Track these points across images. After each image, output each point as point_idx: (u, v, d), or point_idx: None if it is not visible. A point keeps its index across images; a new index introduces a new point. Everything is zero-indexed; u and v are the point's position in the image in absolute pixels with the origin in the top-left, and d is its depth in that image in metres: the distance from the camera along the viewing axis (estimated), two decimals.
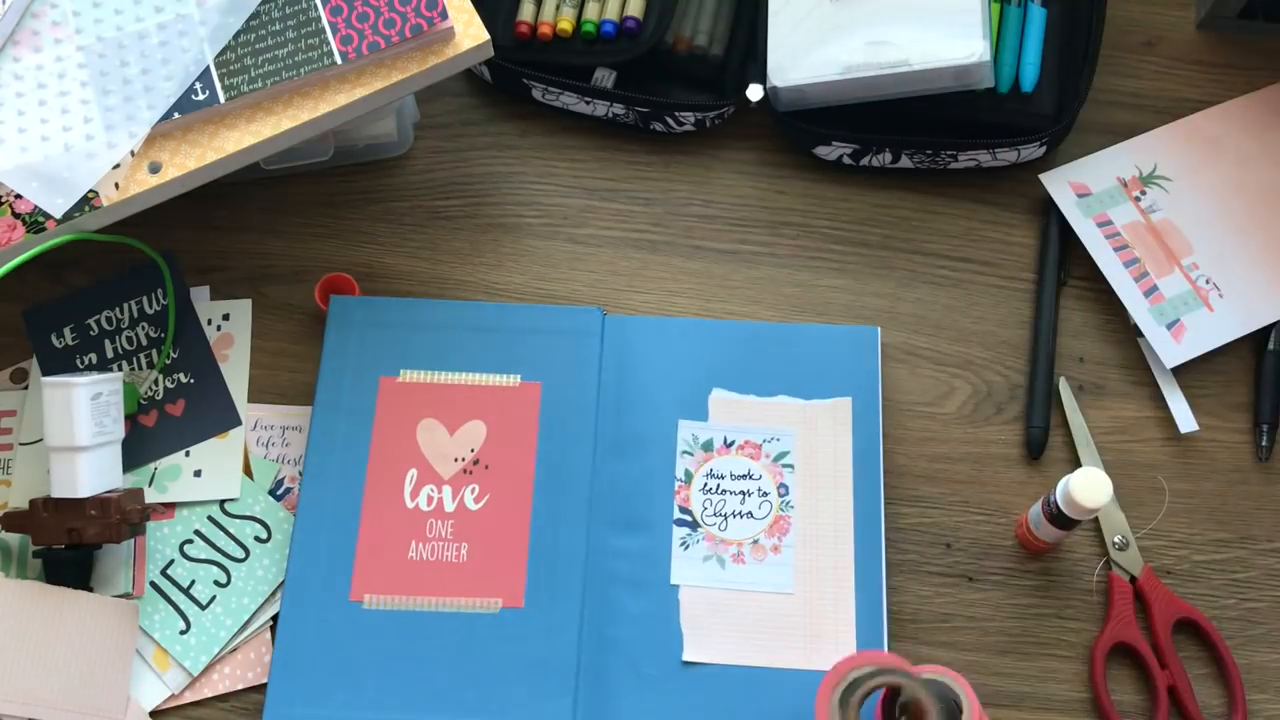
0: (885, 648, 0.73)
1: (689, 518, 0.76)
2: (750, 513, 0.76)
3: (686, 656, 0.73)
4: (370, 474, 0.77)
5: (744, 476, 0.76)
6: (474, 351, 0.79)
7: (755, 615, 0.73)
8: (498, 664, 0.72)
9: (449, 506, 0.76)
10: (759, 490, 0.76)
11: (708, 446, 0.77)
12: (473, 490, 0.77)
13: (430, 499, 0.76)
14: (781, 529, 0.75)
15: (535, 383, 0.79)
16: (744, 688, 0.72)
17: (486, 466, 0.77)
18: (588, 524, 0.76)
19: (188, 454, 0.80)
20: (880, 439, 0.77)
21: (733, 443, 0.77)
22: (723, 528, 0.75)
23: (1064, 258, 0.85)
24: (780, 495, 0.76)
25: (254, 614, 0.77)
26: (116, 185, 0.74)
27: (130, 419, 0.80)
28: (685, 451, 0.77)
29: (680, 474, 0.77)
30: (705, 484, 0.76)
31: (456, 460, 0.77)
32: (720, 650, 0.73)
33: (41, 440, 0.75)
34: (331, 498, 0.76)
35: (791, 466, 0.76)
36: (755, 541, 0.75)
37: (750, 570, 0.74)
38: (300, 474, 0.79)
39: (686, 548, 0.75)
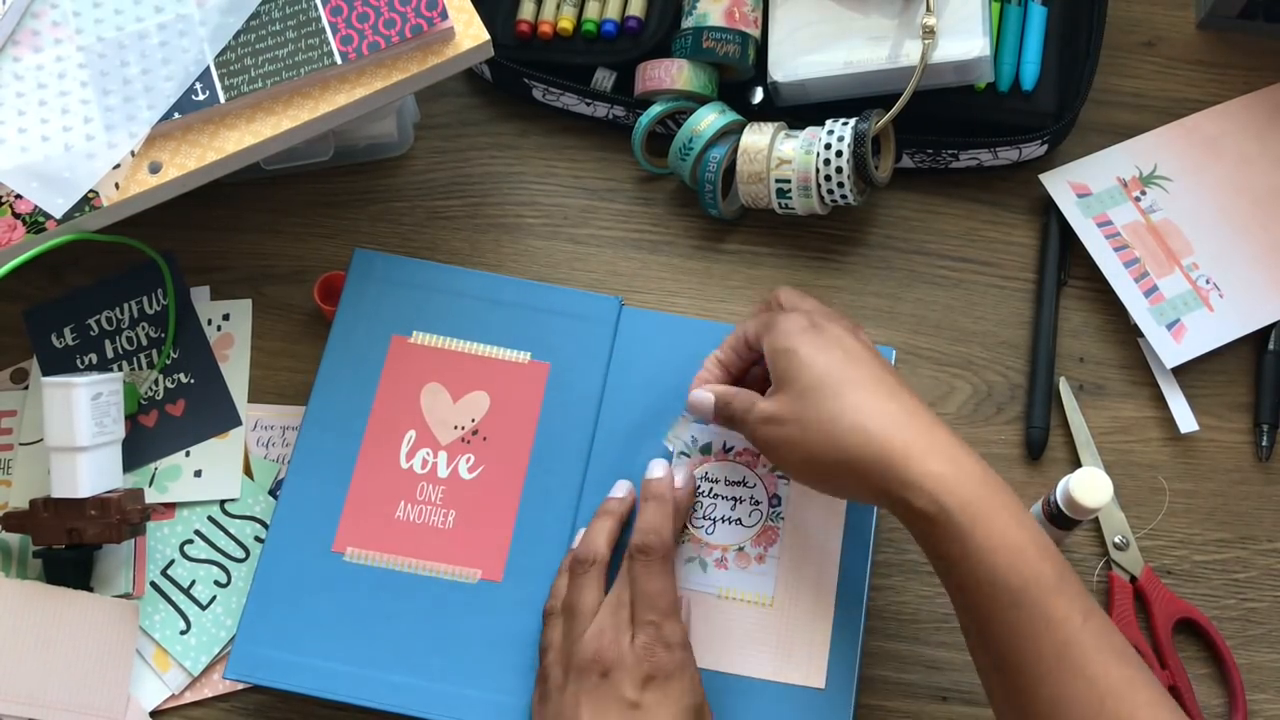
0: (856, 670, 0.72)
1: None
2: (739, 520, 0.75)
3: None
4: (369, 429, 0.77)
5: (739, 483, 0.76)
6: (488, 323, 0.79)
7: (730, 622, 0.73)
8: (469, 634, 0.73)
9: (442, 473, 0.76)
10: (751, 499, 0.76)
11: (706, 450, 0.77)
12: (468, 460, 0.77)
13: (425, 462, 0.77)
14: (769, 539, 0.75)
15: (544, 362, 0.79)
16: (709, 691, 0.71)
17: (485, 438, 0.77)
18: (576, 509, 0.76)
19: (188, 454, 0.80)
20: None
21: (731, 448, 0.77)
22: (710, 531, 0.75)
23: (1064, 258, 0.85)
24: (772, 506, 0.75)
25: None
26: (116, 185, 0.74)
27: (130, 419, 0.80)
28: (683, 452, 0.77)
29: None
30: (699, 487, 0.76)
31: (456, 428, 0.77)
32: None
33: (41, 440, 0.75)
34: (328, 447, 0.76)
35: (787, 479, 0.76)
36: (740, 549, 0.75)
37: (731, 576, 0.74)
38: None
39: None
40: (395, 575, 0.74)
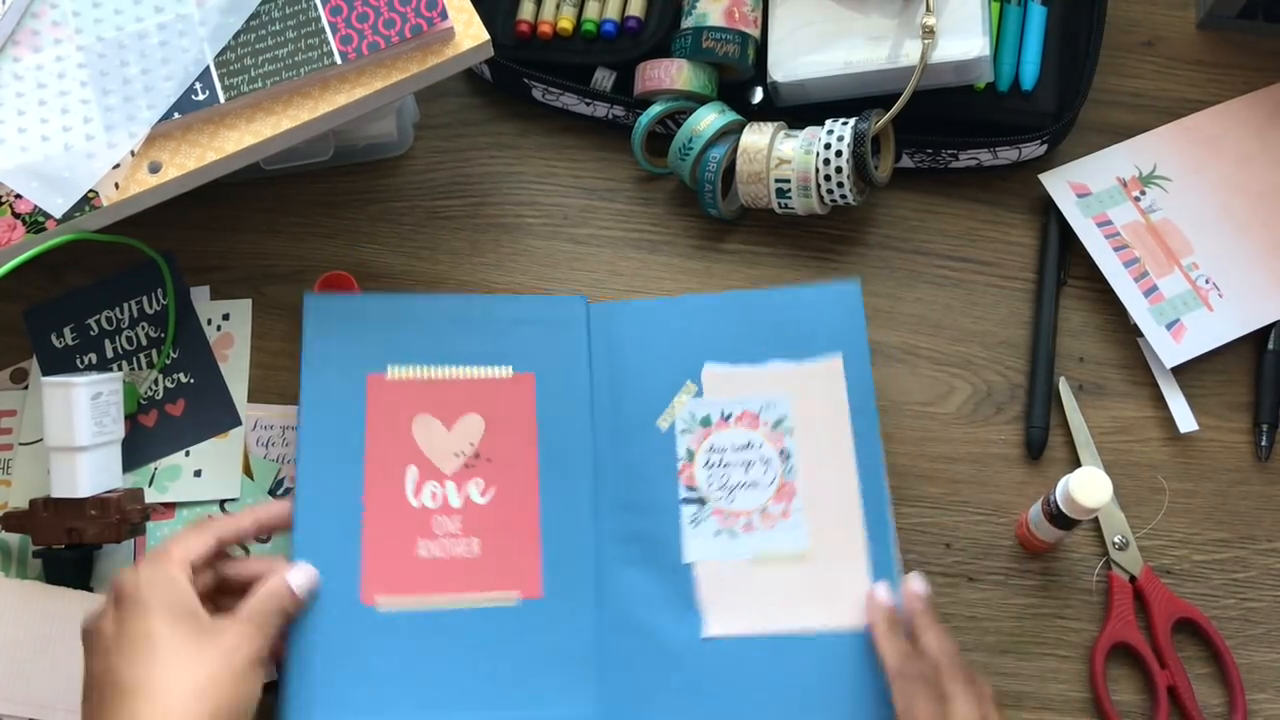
0: (900, 600, 0.72)
1: (695, 494, 0.76)
2: (755, 482, 0.76)
3: (707, 632, 0.72)
4: (368, 474, 0.75)
5: (745, 447, 0.76)
6: (461, 344, 0.78)
7: (771, 582, 0.73)
8: (519, 655, 0.72)
9: (455, 502, 0.75)
10: (761, 459, 0.76)
11: (706, 422, 0.77)
12: (478, 484, 0.76)
13: (434, 495, 0.75)
14: (788, 494, 0.75)
15: (529, 373, 0.78)
16: (768, 655, 0.71)
17: (489, 459, 0.76)
18: (596, 510, 0.75)
19: (188, 454, 0.80)
20: (873, 395, 0.77)
21: (730, 415, 0.77)
22: (730, 500, 0.75)
23: (1064, 258, 0.85)
24: (783, 461, 0.76)
25: None
26: (116, 185, 0.74)
27: (130, 419, 0.80)
28: (684, 430, 0.77)
29: (682, 452, 0.76)
30: (708, 459, 0.76)
31: (457, 455, 0.76)
32: (741, 621, 0.72)
33: (41, 440, 0.75)
34: (329, 501, 0.74)
35: (790, 431, 0.76)
36: (763, 510, 0.75)
37: (761, 538, 0.74)
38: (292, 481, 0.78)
39: (696, 524, 0.75)
40: (433, 615, 0.72)
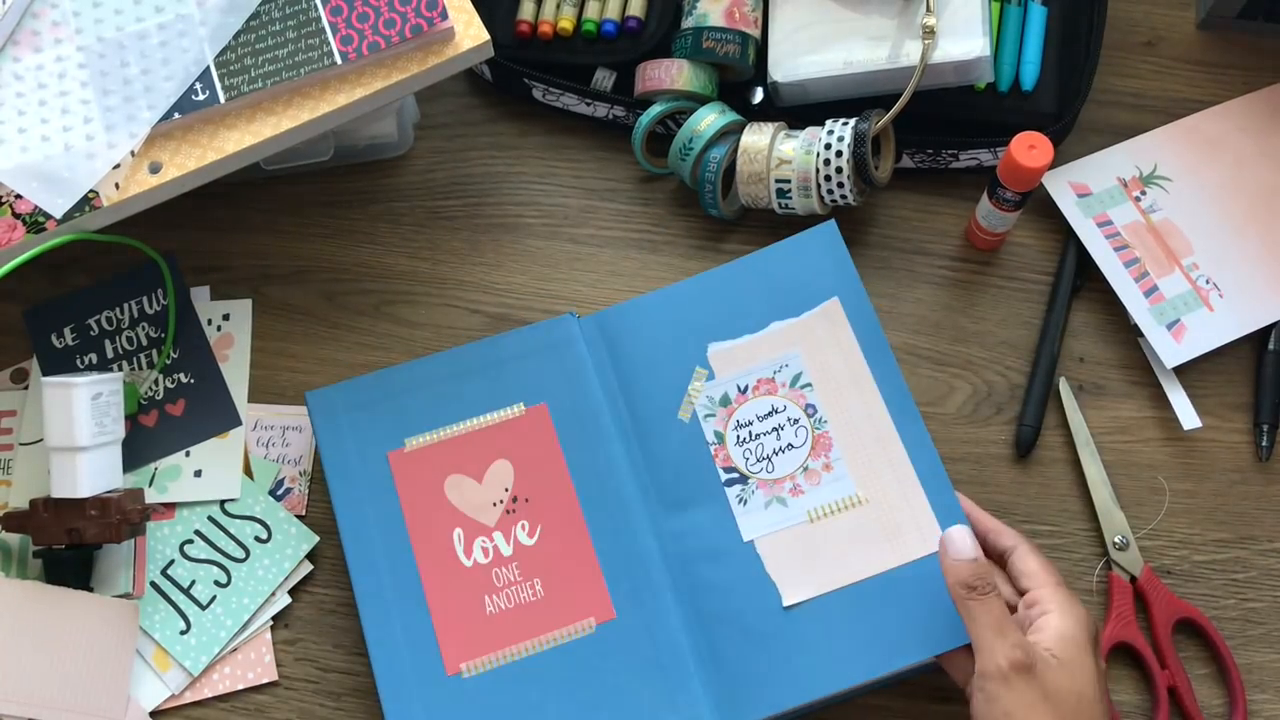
0: (966, 521, 0.72)
1: (736, 474, 0.75)
2: (789, 444, 0.75)
3: (787, 602, 0.72)
4: (416, 548, 0.75)
5: (770, 414, 0.76)
6: (467, 397, 0.78)
7: (834, 536, 0.73)
8: (615, 678, 0.72)
9: (506, 551, 0.75)
10: (789, 420, 0.76)
11: (725, 401, 0.77)
12: (523, 526, 0.75)
13: (485, 550, 0.75)
14: (825, 446, 0.75)
15: (540, 405, 0.78)
16: (850, 607, 0.71)
17: (527, 500, 0.76)
18: (645, 516, 0.75)
19: (188, 454, 0.80)
20: (879, 326, 0.77)
21: (746, 387, 0.77)
22: (770, 470, 0.75)
23: (1084, 262, 0.84)
24: (810, 416, 0.76)
25: (254, 614, 0.77)
26: (117, 185, 0.74)
27: (130, 419, 0.80)
28: (707, 415, 0.77)
29: (711, 436, 0.76)
30: (738, 436, 0.76)
31: (495, 504, 0.76)
32: (815, 583, 0.72)
33: (41, 440, 0.75)
34: (387, 585, 0.74)
35: (810, 385, 0.76)
36: (805, 469, 0.75)
37: (811, 496, 0.74)
38: (337, 537, 0.77)
39: (745, 503, 0.75)
40: (520, 665, 0.72)
